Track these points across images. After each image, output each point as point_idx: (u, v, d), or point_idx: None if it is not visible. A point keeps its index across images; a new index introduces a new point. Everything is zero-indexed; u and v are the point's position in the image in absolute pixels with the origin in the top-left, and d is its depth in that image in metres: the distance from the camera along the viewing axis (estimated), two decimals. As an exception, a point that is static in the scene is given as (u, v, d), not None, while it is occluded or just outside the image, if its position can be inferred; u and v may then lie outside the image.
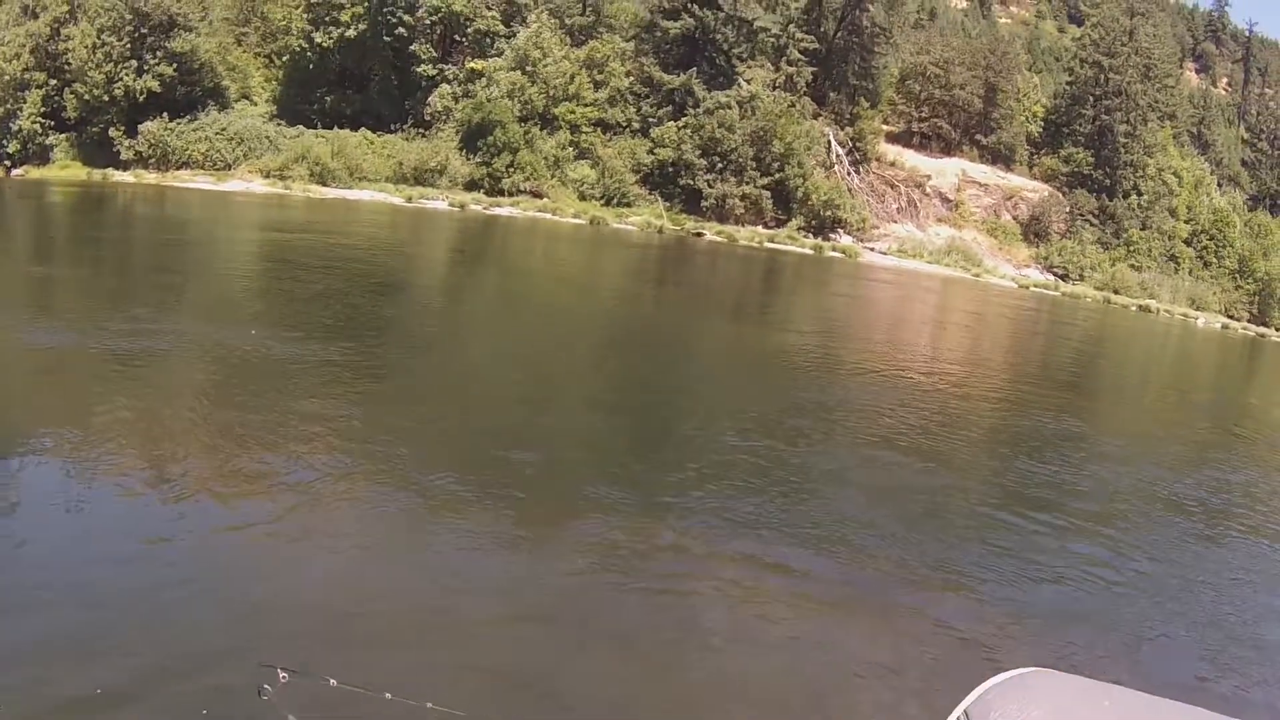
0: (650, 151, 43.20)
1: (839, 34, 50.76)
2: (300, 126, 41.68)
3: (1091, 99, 56.43)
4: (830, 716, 6.19)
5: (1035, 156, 56.74)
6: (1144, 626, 8.25)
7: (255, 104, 44.23)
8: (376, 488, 8.72)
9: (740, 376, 16.65)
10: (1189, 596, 9.18)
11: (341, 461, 9.17)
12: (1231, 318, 55.01)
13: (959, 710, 3.34)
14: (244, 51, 45.80)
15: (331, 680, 4.47)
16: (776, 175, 44.28)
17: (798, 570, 8.26)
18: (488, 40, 43.78)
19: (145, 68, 42.62)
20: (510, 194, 40.32)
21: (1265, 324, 55.61)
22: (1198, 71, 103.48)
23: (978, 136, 54.19)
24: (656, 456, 11.20)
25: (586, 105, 43.45)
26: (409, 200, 38.63)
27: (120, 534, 7.30)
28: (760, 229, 43.95)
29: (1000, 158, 54.91)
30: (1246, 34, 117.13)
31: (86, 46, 42.92)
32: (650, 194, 43.00)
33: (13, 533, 7.15)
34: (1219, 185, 67.76)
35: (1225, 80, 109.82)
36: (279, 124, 42.13)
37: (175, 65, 42.55)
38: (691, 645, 6.69)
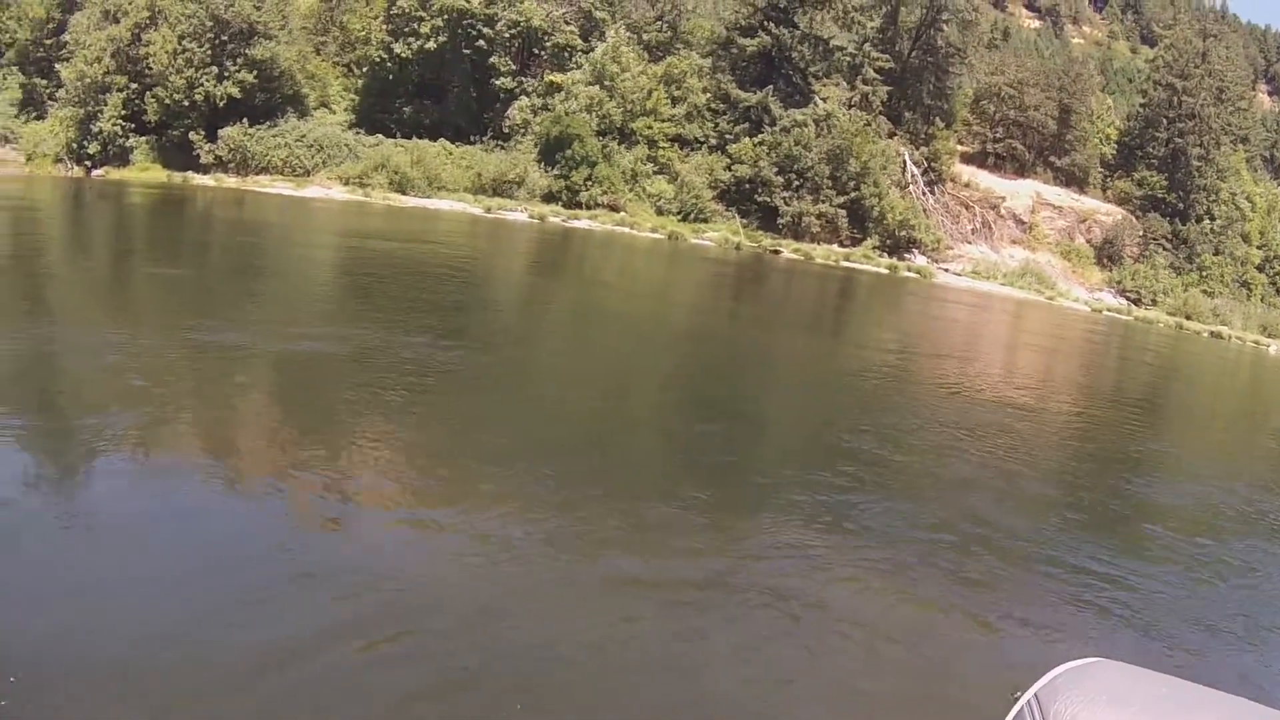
0: (727, 168, 43.54)
1: (914, 53, 50.96)
2: (379, 135, 42.37)
3: (1165, 121, 56.24)
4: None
5: (1109, 179, 56.56)
6: (1204, 622, 8.77)
7: (334, 112, 45.00)
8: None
9: (835, 393, 16.92)
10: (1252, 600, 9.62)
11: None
12: (1303, 346, 54.49)
13: (1029, 693, 3.60)
14: (323, 60, 46.63)
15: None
16: (852, 194, 44.48)
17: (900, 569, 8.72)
18: (566, 54, 44.36)
19: (225, 74, 43.49)
20: (588, 207, 40.75)
21: (1338, 352, 55.00)
22: (1271, 94, 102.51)
23: (1051, 158, 54.13)
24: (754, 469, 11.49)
25: (664, 120, 43.88)
26: (488, 211, 39.14)
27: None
28: (836, 247, 44.13)
29: (1074, 180, 54.79)
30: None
31: (168, 52, 43.83)
32: (727, 210, 43.32)
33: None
34: (1293, 211, 67.13)
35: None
36: (358, 132, 42.85)
37: (255, 72, 43.40)
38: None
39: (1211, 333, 49.79)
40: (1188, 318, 50.94)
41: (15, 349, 11.42)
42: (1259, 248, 59.67)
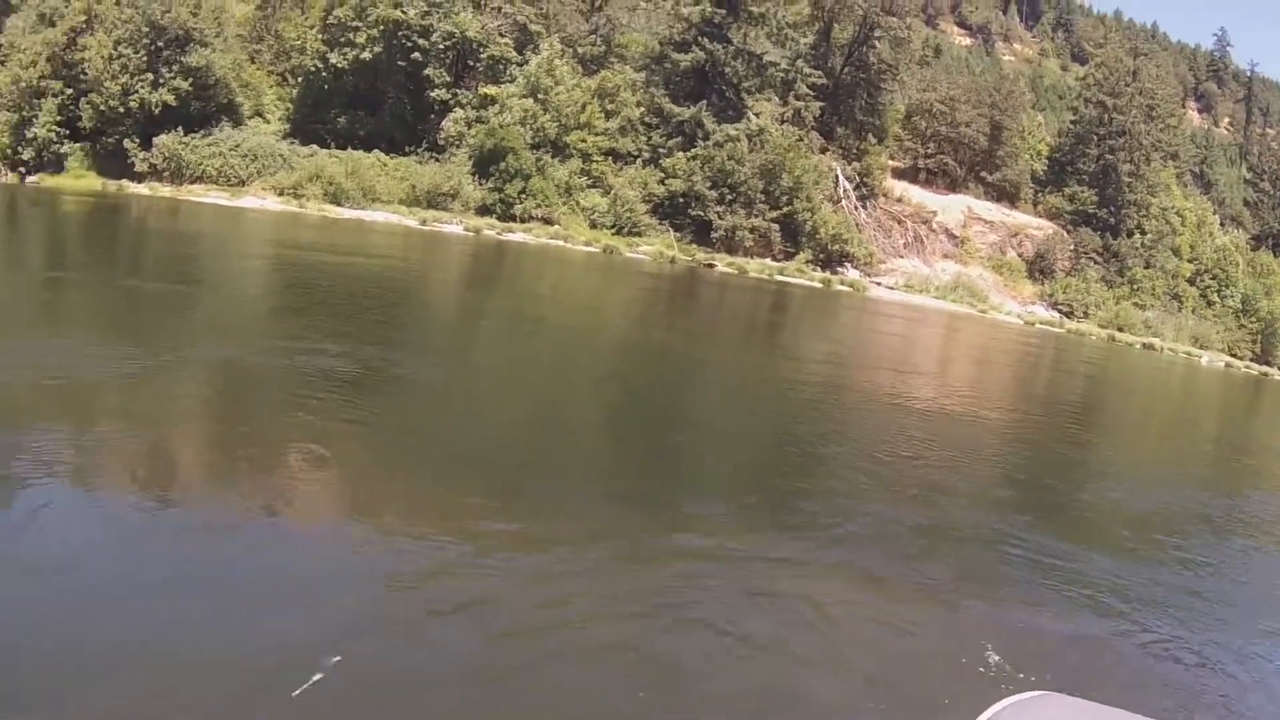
0: (661, 182, 44.43)
1: (846, 70, 52.28)
2: (314, 146, 42.78)
3: (1095, 138, 58.12)
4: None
5: (1040, 194, 58.30)
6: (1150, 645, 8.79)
7: (268, 121, 45.34)
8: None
9: (774, 403, 17.56)
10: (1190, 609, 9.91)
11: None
12: (1235, 356, 56.48)
13: None
14: (257, 69, 46.91)
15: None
16: (785, 208, 45.59)
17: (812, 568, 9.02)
18: (500, 66, 45.05)
19: (161, 81, 43.63)
20: (522, 220, 41.46)
21: (1269, 363, 57.13)
22: (1200, 111, 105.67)
23: (983, 174, 55.72)
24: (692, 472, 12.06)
25: (598, 134, 44.73)
26: (423, 223, 39.71)
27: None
28: (769, 261, 45.20)
29: (1005, 195, 56.43)
30: (1248, 74, 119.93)
31: (103, 57, 43.90)
32: (661, 224, 44.20)
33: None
34: (1221, 225, 69.60)
35: (1227, 120, 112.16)
36: (292, 142, 43.22)
37: (190, 80, 43.58)
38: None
39: (1144, 344, 51.53)
40: (1120, 330, 52.69)
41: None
42: (1189, 261, 61.76)
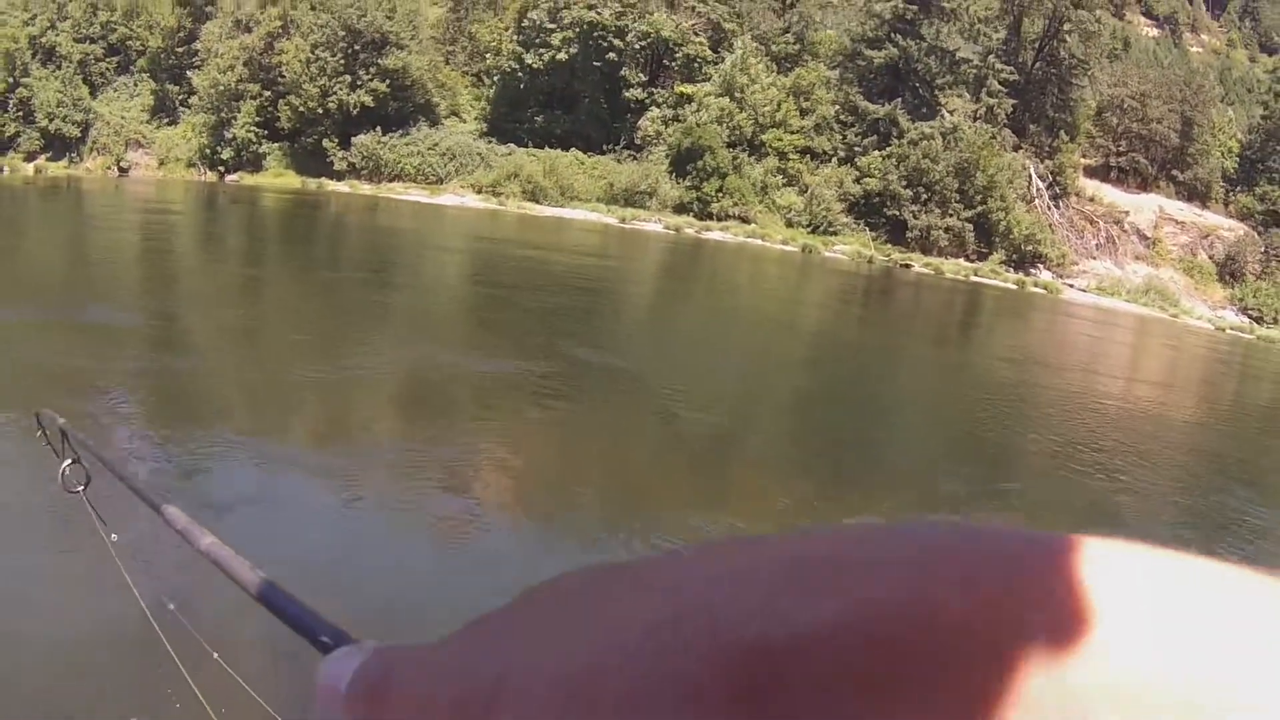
0: (856, 180, 44.61)
1: (1037, 65, 51.70)
2: (511, 145, 44.05)
3: (1288, 135, 56.30)
4: None
5: (1231, 194, 56.75)
6: None
7: (464, 121, 46.86)
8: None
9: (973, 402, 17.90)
10: None
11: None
12: None
13: None
14: (451, 70, 48.42)
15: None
16: (979, 208, 45.37)
17: None
18: (695, 65, 45.75)
19: (359, 83, 45.52)
20: (719, 218, 42.13)
21: None
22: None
23: (1174, 172, 54.51)
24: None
25: (793, 133, 45.16)
26: (623, 221, 40.60)
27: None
28: (964, 261, 45.06)
29: (1196, 194, 55.12)
30: None
31: (301, 60, 46.02)
32: (855, 223, 44.35)
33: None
34: None
35: None
36: (490, 141, 44.57)
37: (388, 81, 45.41)
38: None
39: (1338, 354, 49.80)
40: (1313, 337, 50.98)
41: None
42: (1388, 266, 59.44)
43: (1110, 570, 0.24)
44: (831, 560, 0.25)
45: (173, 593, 3.35)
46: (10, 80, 51.34)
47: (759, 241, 41.60)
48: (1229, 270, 53.87)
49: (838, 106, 46.59)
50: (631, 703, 0.25)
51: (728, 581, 0.25)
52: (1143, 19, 62.62)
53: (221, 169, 47.60)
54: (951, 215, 45.02)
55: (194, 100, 48.73)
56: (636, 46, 45.34)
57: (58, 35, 51.23)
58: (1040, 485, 12.41)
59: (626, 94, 45.33)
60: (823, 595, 0.24)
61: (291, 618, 0.67)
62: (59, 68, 50.69)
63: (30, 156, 51.24)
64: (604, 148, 44.80)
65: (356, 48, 45.90)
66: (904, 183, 44.52)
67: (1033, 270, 46.71)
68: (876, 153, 45.15)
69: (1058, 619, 0.23)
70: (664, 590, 0.27)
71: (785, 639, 0.25)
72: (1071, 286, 46.95)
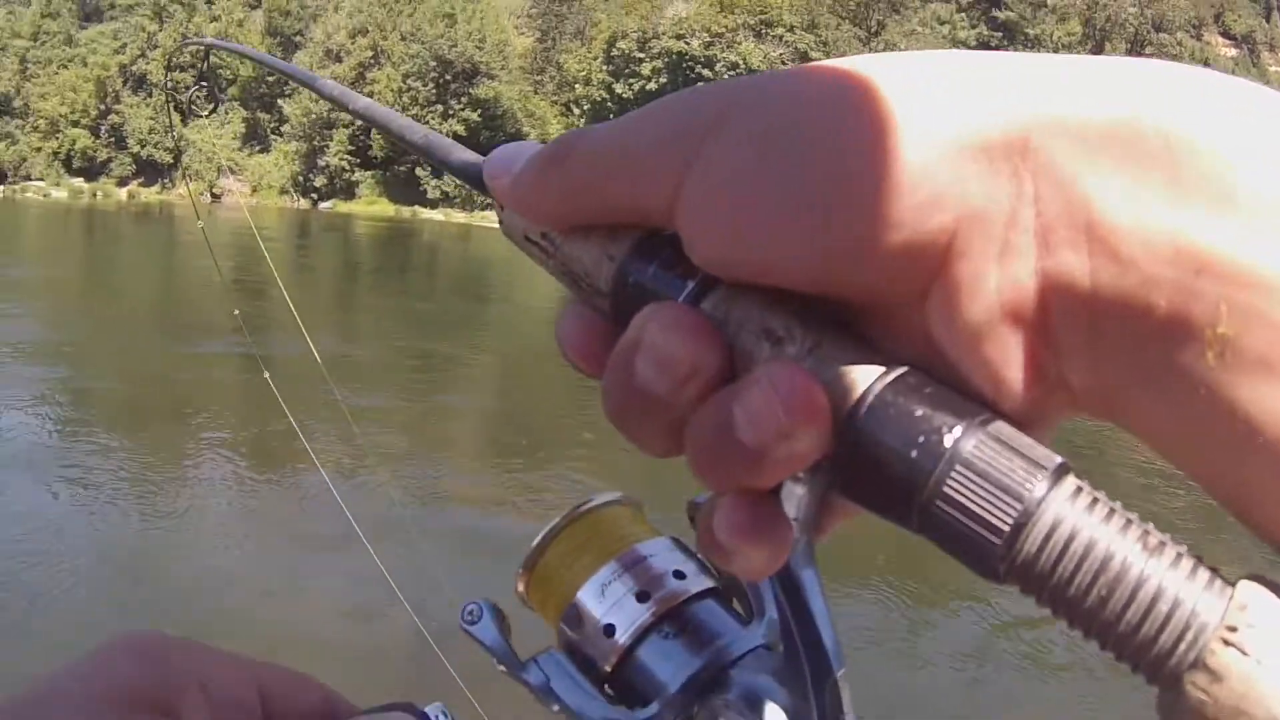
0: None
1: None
2: (603, 175, 45.35)
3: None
4: None
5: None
6: None
7: (555, 151, 48.15)
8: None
9: None
10: None
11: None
12: None
13: None
14: (540, 99, 49.84)
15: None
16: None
17: None
18: (785, 94, 46.82)
19: (450, 112, 47.02)
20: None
21: None
22: None
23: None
24: None
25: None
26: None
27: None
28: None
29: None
30: None
31: (393, 90, 47.55)
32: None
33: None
34: None
35: None
36: (581, 171, 45.89)
37: (479, 111, 46.83)
38: None
39: None
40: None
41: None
42: None
43: None
44: None
45: None
46: (102, 107, 53.36)
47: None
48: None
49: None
50: None
51: None
52: (1220, 39, 63.01)
53: (314, 196, 49.26)
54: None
55: (285, 129, 50.40)
56: (726, 76, 46.41)
57: (148, 64, 53.03)
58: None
59: (717, 123, 46.45)
60: None
61: (455, 168, 0.47)
62: (149, 95, 52.50)
63: (123, 181, 53.21)
64: (695, 177, 45.97)
65: (447, 77, 47.41)
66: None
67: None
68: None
69: None
70: None
71: None
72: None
